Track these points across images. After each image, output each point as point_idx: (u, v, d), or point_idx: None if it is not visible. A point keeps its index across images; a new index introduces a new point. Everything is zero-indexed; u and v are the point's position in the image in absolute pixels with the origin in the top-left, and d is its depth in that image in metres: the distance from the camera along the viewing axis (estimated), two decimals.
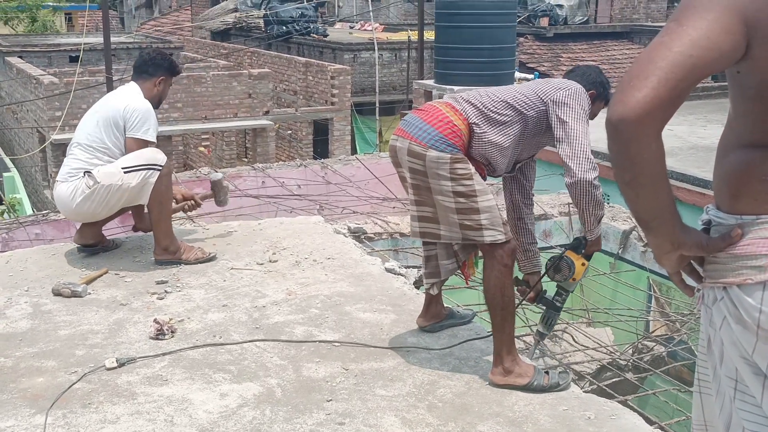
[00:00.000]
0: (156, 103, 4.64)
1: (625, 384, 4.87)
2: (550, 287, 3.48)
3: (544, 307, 3.43)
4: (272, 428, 2.90)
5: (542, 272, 3.46)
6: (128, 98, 4.51)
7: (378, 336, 3.71)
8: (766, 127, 1.44)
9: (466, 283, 3.82)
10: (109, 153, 4.45)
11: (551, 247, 6.87)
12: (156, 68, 4.65)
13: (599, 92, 3.35)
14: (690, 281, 1.63)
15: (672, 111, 1.39)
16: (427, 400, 3.14)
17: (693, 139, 10.68)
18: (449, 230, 3.16)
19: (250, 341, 3.61)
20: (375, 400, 3.12)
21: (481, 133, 3.12)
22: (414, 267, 5.32)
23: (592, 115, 3.34)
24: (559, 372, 3.30)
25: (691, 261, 1.58)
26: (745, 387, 1.51)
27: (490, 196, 3.12)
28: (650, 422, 3.34)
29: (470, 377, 3.32)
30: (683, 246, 1.52)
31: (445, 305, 3.84)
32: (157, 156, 4.45)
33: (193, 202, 5.01)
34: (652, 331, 6.21)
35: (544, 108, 3.16)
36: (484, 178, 3.23)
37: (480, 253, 3.34)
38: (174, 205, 4.83)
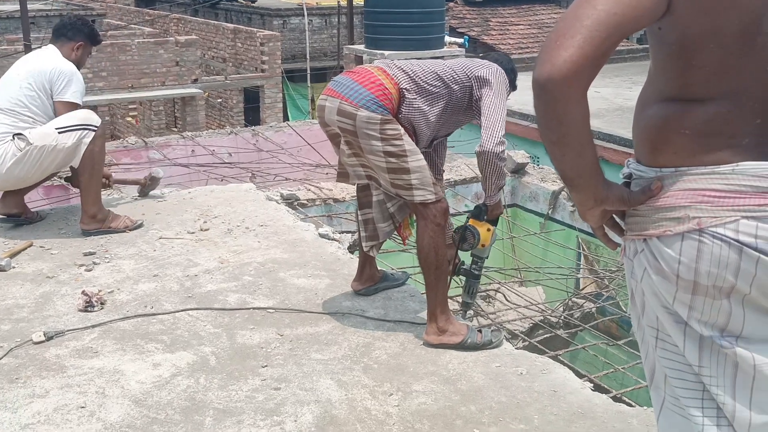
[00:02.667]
0: None
1: (557, 340, 4.98)
2: (466, 258, 3.55)
3: (464, 278, 3.53)
4: (207, 396, 2.88)
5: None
6: (53, 61, 4.38)
7: (313, 301, 3.71)
8: (685, 82, 1.46)
9: (404, 243, 3.87)
10: (33, 117, 4.31)
11: (469, 212, 6.95)
12: (75, 32, 4.53)
13: (510, 79, 3.43)
14: (613, 235, 1.67)
15: (597, 69, 1.40)
16: (363, 362, 3.16)
17: (619, 101, 10.89)
18: (386, 183, 3.20)
19: (182, 310, 3.57)
20: (310, 365, 3.12)
21: (412, 99, 3.17)
22: (348, 232, 5.33)
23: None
24: (492, 330, 3.36)
25: (613, 215, 1.61)
26: (667, 336, 1.55)
27: (420, 157, 3.14)
28: (580, 375, 3.43)
29: (405, 338, 3.35)
30: (606, 201, 1.54)
31: (379, 268, 3.85)
32: (92, 117, 4.37)
33: (106, 180, 4.91)
34: (582, 288, 6.36)
35: (468, 84, 3.26)
36: None
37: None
38: None
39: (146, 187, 5.27)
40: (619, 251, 1.69)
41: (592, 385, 3.17)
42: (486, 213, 3.38)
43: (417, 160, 3.12)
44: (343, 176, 3.52)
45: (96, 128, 4.35)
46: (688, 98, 1.46)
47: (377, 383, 2.99)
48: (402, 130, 3.12)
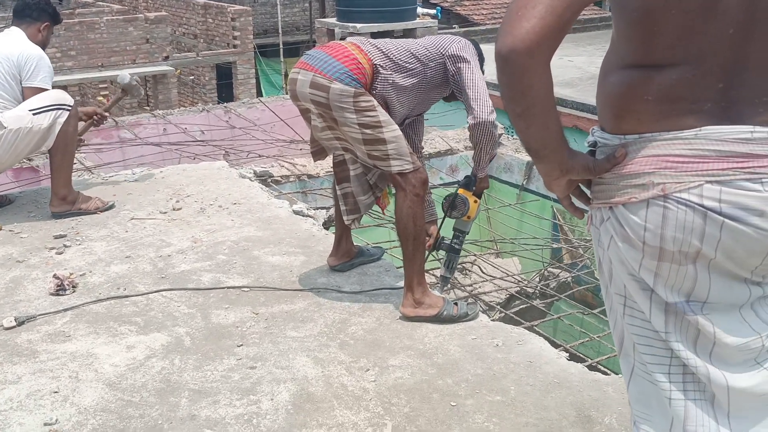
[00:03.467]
0: None
1: (533, 311, 5.01)
2: (446, 234, 3.56)
3: (445, 252, 3.54)
4: (182, 377, 2.86)
5: (440, 216, 3.55)
6: (20, 45, 4.29)
7: (288, 278, 3.69)
8: (647, 48, 1.45)
9: (383, 213, 3.87)
10: (5, 102, 4.22)
11: (458, 182, 6.95)
12: (40, 13, 4.44)
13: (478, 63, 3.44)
14: (579, 204, 1.66)
15: (560, 38, 1.38)
16: (339, 338, 3.15)
17: (592, 69, 10.89)
18: (362, 154, 3.19)
19: (155, 291, 3.53)
20: (286, 342, 3.11)
21: (387, 75, 3.18)
22: (323, 208, 5.30)
23: None
24: (468, 303, 3.37)
25: (579, 184, 1.61)
26: (634, 303, 1.56)
27: (395, 127, 3.14)
28: (556, 345, 3.45)
29: (381, 313, 3.35)
30: (572, 171, 1.53)
31: (355, 243, 3.84)
32: (65, 96, 4.32)
33: (98, 116, 4.78)
34: (558, 258, 6.39)
35: (441, 61, 3.26)
36: None
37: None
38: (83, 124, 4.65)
39: (130, 94, 4.99)
40: (586, 220, 1.69)
41: (567, 354, 3.19)
42: (475, 184, 3.39)
43: (392, 130, 3.12)
44: (318, 154, 3.51)
45: (70, 107, 4.29)
46: (651, 64, 1.45)
47: (353, 359, 2.99)
48: (375, 102, 3.12)
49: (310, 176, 6.30)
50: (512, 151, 7.10)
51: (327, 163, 6.48)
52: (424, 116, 3.63)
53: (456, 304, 3.32)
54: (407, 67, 3.23)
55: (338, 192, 3.51)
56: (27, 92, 4.26)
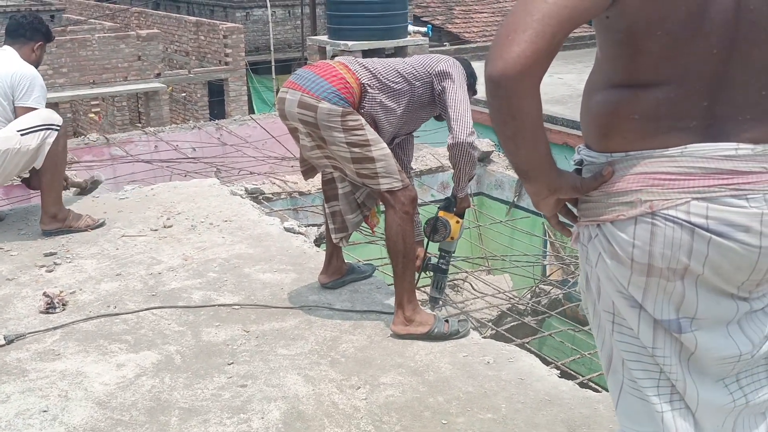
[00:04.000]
0: None
1: (524, 327, 5.01)
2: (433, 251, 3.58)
3: (432, 273, 3.55)
4: (172, 396, 2.85)
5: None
6: (14, 65, 4.29)
7: (279, 296, 3.68)
8: (633, 68, 1.47)
9: (372, 233, 3.87)
10: None
11: (438, 205, 6.96)
12: (34, 32, 4.45)
13: (470, 83, 3.43)
14: (567, 222, 1.68)
15: (549, 62, 1.40)
16: (330, 356, 3.14)
17: (582, 87, 10.88)
18: (351, 173, 3.20)
19: (146, 309, 3.52)
20: (277, 360, 3.10)
21: (374, 94, 3.19)
22: (314, 225, 5.30)
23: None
24: (459, 320, 3.36)
25: (566, 203, 1.62)
26: (622, 320, 1.57)
27: (383, 145, 3.15)
28: (547, 363, 3.45)
29: (372, 331, 3.34)
30: (559, 190, 1.54)
31: (346, 261, 3.84)
32: (53, 116, 4.30)
33: (65, 183, 4.82)
34: (549, 275, 6.40)
35: (429, 80, 3.28)
36: None
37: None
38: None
39: (86, 188, 5.14)
40: (572, 238, 1.70)
41: (558, 371, 3.19)
42: (455, 205, 3.40)
43: (381, 148, 3.13)
44: (308, 172, 3.52)
45: (59, 128, 4.28)
46: (637, 84, 1.47)
47: (345, 377, 2.98)
48: (363, 121, 3.13)
49: (301, 193, 6.30)
50: (503, 168, 7.12)
51: (318, 181, 6.46)
52: (413, 135, 3.64)
53: (447, 321, 3.32)
54: (394, 87, 3.24)
55: (327, 210, 3.52)
56: (19, 111, 4.26)
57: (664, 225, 1.44)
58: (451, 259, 3.56)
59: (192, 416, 2.71)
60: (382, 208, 3.34)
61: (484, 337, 3.47)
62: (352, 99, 3.12)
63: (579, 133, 8.46)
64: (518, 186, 6.88)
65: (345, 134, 3.08)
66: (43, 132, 4.21)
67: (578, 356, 4.37)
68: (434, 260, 3.53)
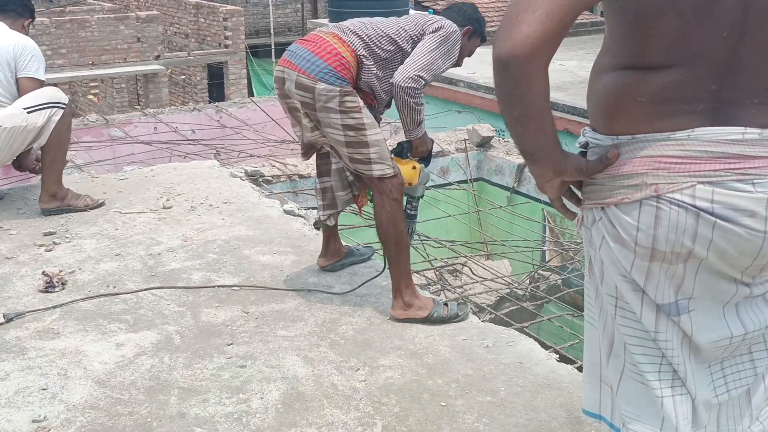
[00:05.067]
0: None
1: (523, 312, 5.02)
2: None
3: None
4: (171, 375, 2.85)
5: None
6: (13, 36, 4.29)
7: (278, 278, 3.68)
8: (642, 50, 1.46)
9: (359, 214, 3.81)
10: (0, 98, 4.21)
11: (450, 184, 6.96)
12: (23, 9, 4.51)
13: (475, 28, 3.39)
14: (570, 205, 1.67)
15: (559, 43, 1.38)
16: (329, 338, 3.14)
17: (583, 74, 10.93)
18: (344, 157, 3.16)
19: (145, 289, 3.52)
20: (276, 341, 3.10)
21: (370, 65, 3.13)
22: (314, 208, 5.28)
23: (469, 53, 3.46)
24: (458, 303, 3.36)
25: (570, 185, 1.61)
26: (625, 303, 1.56)
27: (378, 130, 3.13)
28: (546, 347, 3.46)
29: (371, 313, 3.34)
30: (564, 172, 1.53)
31: (344, 243, 3.83)
32: (59, 94, 4.32)
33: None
34: (548, 261, 6.40)
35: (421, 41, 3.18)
36: (374, 108, 3.25)
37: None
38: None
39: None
40: (577, 221, 1.69)
41: (557, 356, 3.19)
42: (409, 150, 3.31)
43: (375, 133, 3.10)
44: (307, 153, 3.44)
45: (65, 106, 4.29)
46: (645, 66, 1.46)
47: (344, 359, 2.98)
48: (361, 103, 3.09)
49: (301, 176, 6.29)
50: (503, 154, 7.11)
51: None
52: None
53: (446, 304, 3.32)
54: (386, 55, 3.16)
55: (317, 185, 3.49)
56: (23, 82, 4.25)
57: (669, 209, 1.44)
58: (419, 204, 3.44)
59: (191, 396, 2.72)
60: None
61: (483, 321, 3.47)
62: (349, 75, 3.06)
63: (580, 119, 8.47)
64: (518, 172, 6.87)
65: (341, 116, 3.04)
66: (50, 110, 4.21)
67: (576, 341, 4.37)
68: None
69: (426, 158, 3.39)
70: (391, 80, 3.13)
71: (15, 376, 2.82)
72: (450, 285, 5.60)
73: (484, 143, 7.25)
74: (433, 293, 3.65)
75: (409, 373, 2.89)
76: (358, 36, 3.14)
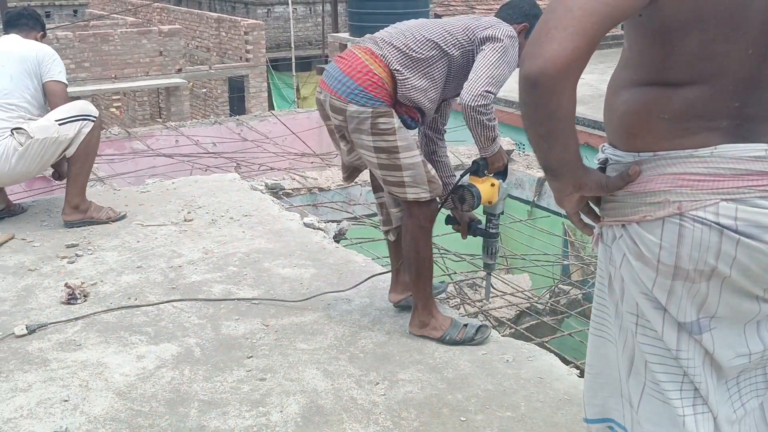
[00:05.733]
0: None
1: (543, 327, 4.99)
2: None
3: (482, 239, 3.31)
4: (192, 388, 2.86)
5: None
6: (33, 44, 4.41)
7: (298, 291, 3.69)
8: (665, 67, 1.45)
9: None
10: (28, 108, 4.29)
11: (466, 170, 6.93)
12: (35, 23, 4.65)
13: (532, 25, 3.10)
14: (588, 221, 1.65)
15: (587, 60, 1.37)
16: (349, 351, 3.14)
17: (603, 87, 10.81)
18: (380, 179, 3.08)
19: (166, 302, 3.54)
20: (296, 354, 3.10)
21: (404, 79, 2.94)
22: (333, 221, 5.30)
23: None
24: (479, 326, 3.25)
25: (588, 201, 1.59)
26: (646, 321, 1.55)
27: (416, 152, 2.99)
28: (566, 362, 3.43)
29: (391, 327, 3.34)
30: (585, 187, 1.52)
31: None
32: (90, 107, 4.41)
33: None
34: (568, 275, 6.37)
35: (471, 48, 3.01)
36: (418, 122, 3.09)
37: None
38: None
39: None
40: (593, 238, 1.68)
41: (578, 371, 3.17)
42: (486, 167, 3.14)
43: (410, 156, 2.96)
44: (351, 176, 3.34)
45: (95, 118, 4.36)
46: (668, 83, 1.45)
47: (363, 372, 2.98)
48: (397, 124, 2.94)
49: (321, 189, 6.30)
50: (523, 167, 7.09)
51: (338, 177, 6.49)
52: (453, 99, 3.28)
53: (465, 326, 3.22)
54: (428, 61, 2.95)
55: (375, 200, 3.36)
56: (50, 86, 4.34)
57: (692, 226, 1.43)
58: (499, 222, 3.31)
59: (211, 408, 2.72)
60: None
61: (504, 336, 3.46)
62: (383, 93, 2.91)
63: (600, 133, 8.43)
64: (538, 185, 6.85)
65: (374, 138, 2.92)
66: (81, 122, 4.29)
67: None
68: (482, 225, 3.29)
69: (502, 173, 3.23)
70: (430, 88, 2.98)
71: (37, 387, 2.84)
72: (469, 299, 5.58)
73: None
74: (452, 307, 3.63)
75: (428, 388, 2.88)
76: (395, 46, 2.96)
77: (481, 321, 3.53)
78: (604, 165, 1.60)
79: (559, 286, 5.86)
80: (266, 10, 22.83)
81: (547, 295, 5.70)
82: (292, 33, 21.61)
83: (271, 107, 19.17)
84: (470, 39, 3.01)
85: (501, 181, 3.21)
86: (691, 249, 1.43)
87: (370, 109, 2.89)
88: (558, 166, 1.49)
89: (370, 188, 3.47)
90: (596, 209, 1.61)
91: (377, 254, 4.96)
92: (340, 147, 3.16)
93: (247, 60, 19.13)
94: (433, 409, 2.75)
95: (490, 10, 22.53)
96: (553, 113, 1.39)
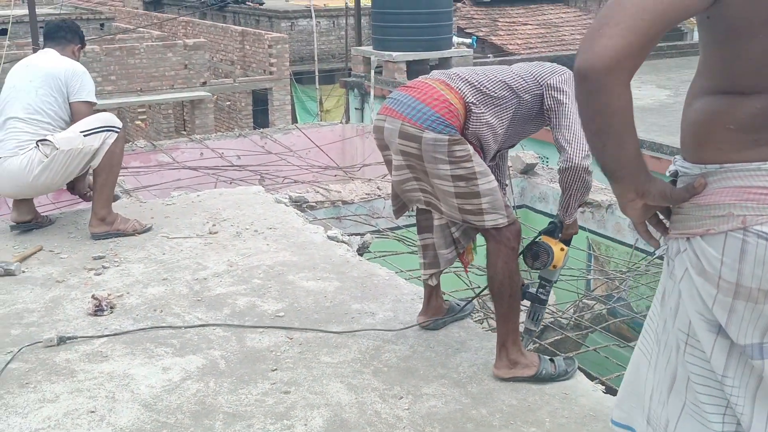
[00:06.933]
0: None
1: (567, 342, 4.96)
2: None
3: (529, 303, 3.22)
4: (217, 400, 2.87)
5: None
6: (64, 62, 4.45)
7: (322, 304, 3.70)
8: (732, 74, 1.41)
9: (465, 270, 3.60)
10: (52, 123, 4.34)
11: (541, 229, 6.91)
12: (73, 35, 4.65)
13: None
14: (655, 233, 1.61)
15: (642, 58, 1.35)
16: (373, 365, 3.14)
17: (635, 101, 10.82)
18: (449, 210, 2.96)
19: (199, 326, 3.55)
20: (320, 368, 3.11)
21: (480, 113, 2.90)
22: (357, 234, 5.31)
23: None
24: (565, 358, 3.17)
25: (657, 212, 1.56)
26: (696, 342, 1.51)
27: (491, 178, 2.91)
28: (591, 378, 3.41)
29: (414, 341, 3.34)
30: (647, 195, 1.48)
31: (445, 299, 3.58)
32: (114, 119, 4.46)
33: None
34: (593, 290, 6.33)
35: (539, 92, 3.02)
36: None
37: (479, 240, 3.14)
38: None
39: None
40: (661, 248, 1.62)
41: (603, 387, 3.15)
42: (561, 231, 3.07)
43: (488, 182, 2.87)
44: (400, 210, 3.25)
45: (119, 130, 4.41)
46: (735, 91, 1.42)
47: (387, 386, 2.98)
48: (472, 151, 2.86)
49: (344, 202, 6.32)
50: (547, 181, 7.08)
51: (362, 190, 6.51)
52: (507, 153, 3.34)
53: (553, 361, 3.09)
54: (500, 101, 2.94)
55: (419, 242, 3.24)
56: (77, 107, 4.38)
57: (756, 242, 1.38)
58: (551, 290, 3.21)
59: (236, 421, 2.73)
60: (479, 242, 3.12)
61: (528, 350, 3.43)
62: (457, 123, 2.84)
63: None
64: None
65: (451, 166, 2.82)
66: (105, 133, 4.34)
67: (623, 372, 4.30)
68: (532, 289, 3.17)
69: (568, 241, 3.15)
70: (498, 126, 2.95)
71: (64, 398, 2.87)
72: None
73: (527, 170, 7.23)
74: (476, 322, 3.62)
75: (452, 403, 2.88)
76: (468, 82, 2.93)
77: (565, 355, 3.43)
78: (675, 177, 1.56)
79: (584, 300, 5.82)
80: (290, 24, 22.99)
81: (571, 310, 5.66)
82: (315, 46, 21.72)
83: (294, 120, 19.29)
84: (537, 83, 3.02)
85: (568, 248, 3.14)
86: (753, 266, 1.39)
87: (447, 137, 2.81)
88: (615, 166, 1.45)
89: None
90: (666, 221, 1.57)
91: (401, 267, 4.97)
92: (392, 176, 3.05)
93: (270, 73, 19.27)
94: (457, 424, 2.74)
95: (512, 23, 22.55)
96: (604, 109, 1.37)
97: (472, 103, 2.88)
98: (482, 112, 2.90)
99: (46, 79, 4.35)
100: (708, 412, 1.51)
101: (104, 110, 15.60)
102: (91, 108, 4.45)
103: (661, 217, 1.57)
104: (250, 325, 3.48)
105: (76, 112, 4.38)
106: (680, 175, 1.54)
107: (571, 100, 2.97)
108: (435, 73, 3.07)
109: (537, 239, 3.08)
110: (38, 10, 16.34)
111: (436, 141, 2.81)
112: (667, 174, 1.59)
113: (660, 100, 10.54)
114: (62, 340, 3.26)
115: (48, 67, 4.40)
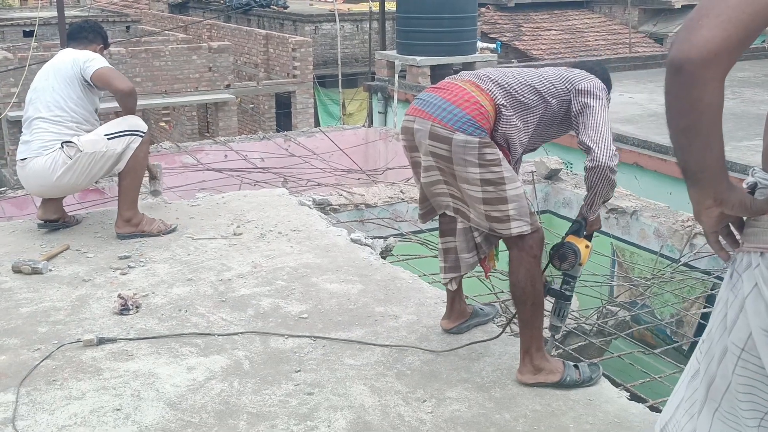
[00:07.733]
0: None
1: (591, 348, 4.93)
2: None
3: (553, 299, 3.19)
4: (240, 400, 2.89)
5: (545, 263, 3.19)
6: (70, 53, 4.47)
7: (345, 306, 3.71)
8: None
9: (486, 276, 3.61)
10: (76, 120, 4.38)
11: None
12: (95, 35, 4.67)
13: (609, 90, 3.17)
14: (726, 245, 1.55)
15: (738, 54, 1.30)
16: (396, 368, 3.14)
17: (653, 106, 10.78)
18: (477, 216, 2.92)
19: (231, 333, 3.57)
20: (344, 370, 3.12)
21: (509, 115, 2.89)
22: (380, 237, 5.32)
23: None
24: (590, 364, 3.16)
25: (730, 224, 1.51)
26: (753, 356, 1.46)
27: (519, 184, 2.90)
28: (616, 384, 3.38)
29: (438, 344, 3.33)
30: (726, 203, 1.43)
31: (468, 303, 3.57)
32: (139, 122, 4.46)
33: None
34: (616, 296, 6.29)
35: (567, 98, 3.02)
36: None
37: (500, 245, 3.14)
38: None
39: (154, 176, 5.14)
40: (731, 261, 1.55)
41: (628, 394, 3.13)
42: (585, 228, 3.08)
43: (515, 188, 2.85)
44: (427, 215, 3.21)
45: (144, 134, 4.43)
46: None
47: (410, 389, 2.98)
48: (501, 155, 2.84)
49: (367, 205, 6.33)
50: (571, 186, 7.04)
51: (384, 193, 6.52)
52: (522, 157, 3.26)
53: (577, 367, 3.07)
54: (528, 104, 2.94)
55: (440, 246, 3.22)
56: (97, 76, 4.30)
57: None
58: (575, 285, 3.21)
59: (260, 421, 2.75)
60: (501, 248, 3.11)
61: (552, 356, 3.42)
62: (488, 125, 2.82)
63: (650, 153, 8.30)
64: None
65: (481, 170, 2.79)
66: (129, 137, 4.36)
67: (647, 379, 4.27)
68: (556, 285, 3.16)
69: (590, 236, 3.15)
70: (523, 130, 2.95)
71: (90, 396, 2.89)
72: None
73: (551, 176, 7.20)
74: (499, 326, 3.61)
75: (476, 407, 2.87)
76: (498, 84, 2.92)
77: (589, 361, 3.39)
78: (752, 189, 1.51)
79: (607, 307, 5.78)
80: (314, 27, 23.07)
81: (595, 316, 5.63)
82: (339, 50, 21.78)
83: (317, 123, 19.35)
84: (566, 88, 3.02)
85: (591, 244, 3.14)
86: None
87: (477, 139, 2.78)
88: (697, 168, 1.40)
89: (417, 205, 3.42)
90: (737, 234, 1.51)
91: (423, 271, 4.96)
92: (420, 179, 3.03)
93: (294, 76, 19.36)
94: (480, 428, 2.74)
95: (536, 28, 22.48)
96: (695, 104, 1.32)
97: (502, 105, 2.86)
98: (511, 115, 2.89)
99: (57, 74, 4.38)
100: (746, 417, 1.49)
101: None
102: (110, 69, 4.37)
103: (733, 228, 1.52)
104: (274, 332, 3.48)
105: (100, 80, 4.31)
106: (759, 187, 1.48)
107: (600, 104, 2.97)
108: (464, 73, 3.05)
109: (564, 240, 3.08)
110: (66, 12, 16.50)
111: (467, 143, 2.78)
112: (744, 185, 1.53)
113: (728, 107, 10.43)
114: (102, 341, 3.28)
115: (57, 62, 4.44)
